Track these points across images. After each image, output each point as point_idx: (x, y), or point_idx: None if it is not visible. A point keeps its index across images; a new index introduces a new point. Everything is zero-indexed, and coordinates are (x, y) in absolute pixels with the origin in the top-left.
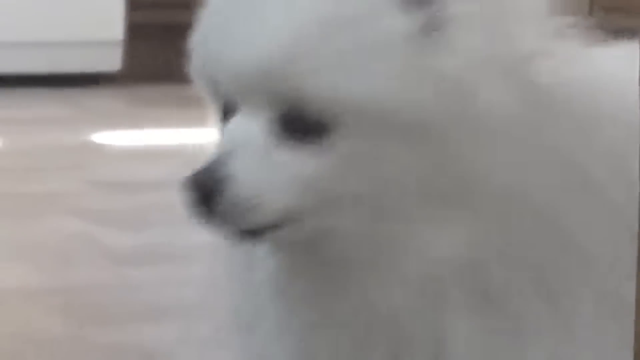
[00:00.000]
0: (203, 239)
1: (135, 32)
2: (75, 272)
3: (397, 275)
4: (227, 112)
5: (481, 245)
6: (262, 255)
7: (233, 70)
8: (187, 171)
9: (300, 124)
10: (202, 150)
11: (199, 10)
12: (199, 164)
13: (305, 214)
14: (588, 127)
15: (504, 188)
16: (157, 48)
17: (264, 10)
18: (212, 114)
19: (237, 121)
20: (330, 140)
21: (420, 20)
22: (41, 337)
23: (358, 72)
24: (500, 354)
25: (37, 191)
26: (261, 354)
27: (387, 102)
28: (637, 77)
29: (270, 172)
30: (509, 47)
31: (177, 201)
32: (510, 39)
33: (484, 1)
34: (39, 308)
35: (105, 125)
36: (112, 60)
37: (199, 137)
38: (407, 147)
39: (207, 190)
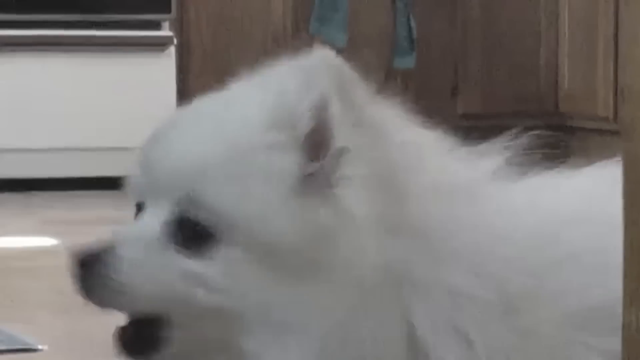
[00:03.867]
0: None
1: None
2: None
3: None
4: (138, 211)
5: None
6: None
7: (153, 172)
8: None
9: (190, 230)
10: None
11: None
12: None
13: (174, 318)
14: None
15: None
16: None
17: (180, 136)
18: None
19: (142, 217)
20: (213, 249)
21: (313, 169)
22: None
23: (242, 195)
24: None
25: None
26: None
27: (261, 225)
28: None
29: (151, 264)
30: (394, 208)
31: None
32: (396, 199)
33: (374, 164)
34: None
35: None
36: None
37: None
38: (267, 268)
39: (88, 265)
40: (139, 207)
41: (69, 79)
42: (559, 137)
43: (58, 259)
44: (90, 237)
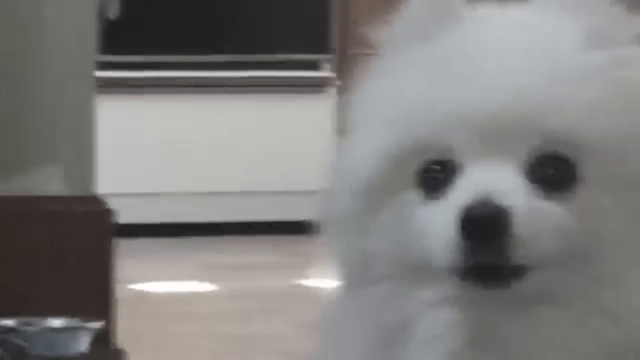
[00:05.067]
0: None
1: None
2: None
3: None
4: (440, 180)
5: None
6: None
7: (483, 119)
8: None
9: (546, 173)
10: None
11: None
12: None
13: (549, 263)
14: None
15: None
16: None
17: (511, 71)
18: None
19: (485, 171)
20: (576, 190)
21: None
22: None
23: (608, 123)
24: None
25: (248, 333)
26: None
27: (629, 147)
28: None
29: (538, 213)
30: None
31: None
32: None
33: None
34: None
35: (313, 271)
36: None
37: None
38: (635, 203)
39: (488, 222)
40: (444, 169)
41: (227, 121)
42: None
43: (215, 304)
44: (248, 282)
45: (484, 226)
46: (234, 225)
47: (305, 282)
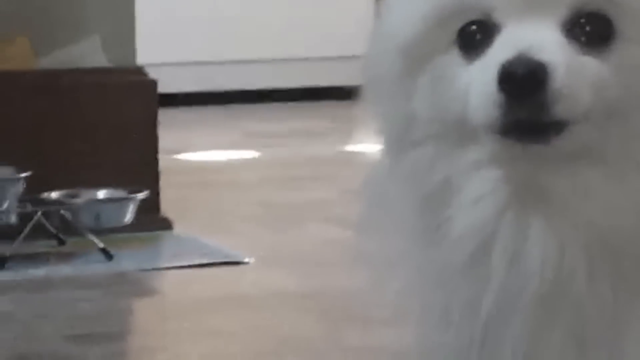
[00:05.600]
0: None
1: None
2: (331, 277)
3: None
4: (479, 40)
5: None
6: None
7: None
8: None
9: (585, 29)
10: None
11: None
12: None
13: (588, 118)
14: None
15: None
16: None
17: None
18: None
19: (523, 29)
20: (613, 46)
21: None
22: (298, 338)
23: None
24: None
25: (294, 200)
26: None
27: None
28: None
29: (577, 68)
30: None
31: None
32: None
33: None
34: (296, 311)
35: (359, 136)
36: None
37: None
38: None
39: (528, 77)
40: (482, 28)
41: None
42: None
43: (260, 172)
44: (291, 149)
45: (523, 81)
46: (277, 92)
47: (351, 147)
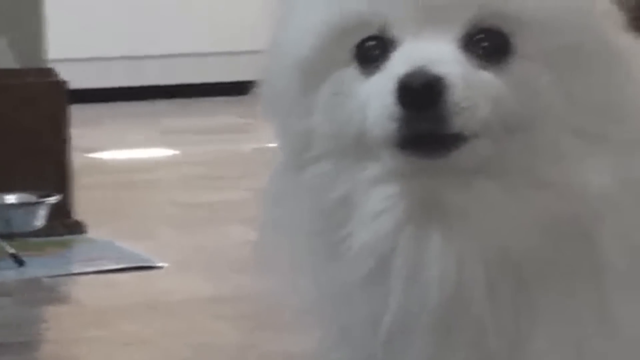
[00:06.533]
0: None
1: None
2: (247, 281)
3: (535, 215)
4: (377, 55)
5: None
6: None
7: None
8: None
9: (482, 45)
10: None
11: None
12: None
13: (486, 133)
14: None
15: None
16: None
17: None
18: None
19: (421, 44)
20: (510, 62)
21: None
22: (213, 344)
23: None
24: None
25: (213, 201)
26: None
27: (559, 17)
28: None
29: (474, 82)
30: None
31: None
32: None
33: None
34: (211, 317)
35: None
36: None
37: None
38: (568, 73)
39: (425, 90)
40: (380, 43)
41: None
42: None
43: (178, 171)
44: (211, 146)
45: (420, 92)
46: (196, 87)
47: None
